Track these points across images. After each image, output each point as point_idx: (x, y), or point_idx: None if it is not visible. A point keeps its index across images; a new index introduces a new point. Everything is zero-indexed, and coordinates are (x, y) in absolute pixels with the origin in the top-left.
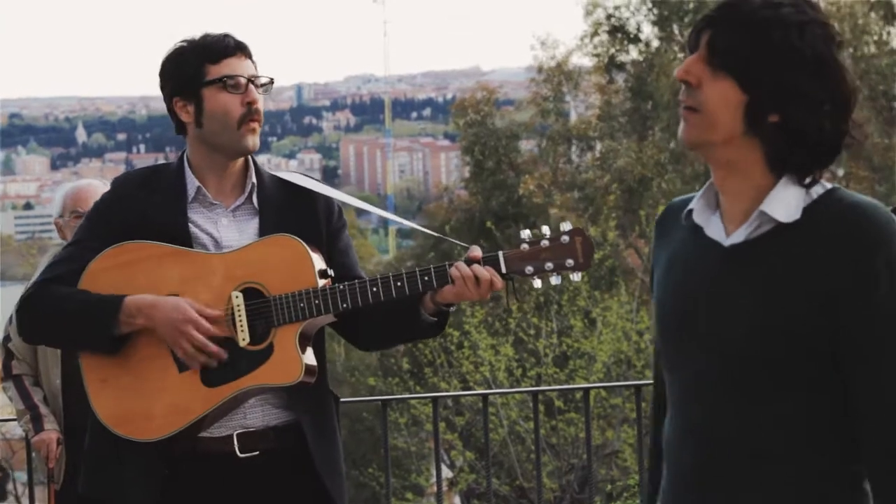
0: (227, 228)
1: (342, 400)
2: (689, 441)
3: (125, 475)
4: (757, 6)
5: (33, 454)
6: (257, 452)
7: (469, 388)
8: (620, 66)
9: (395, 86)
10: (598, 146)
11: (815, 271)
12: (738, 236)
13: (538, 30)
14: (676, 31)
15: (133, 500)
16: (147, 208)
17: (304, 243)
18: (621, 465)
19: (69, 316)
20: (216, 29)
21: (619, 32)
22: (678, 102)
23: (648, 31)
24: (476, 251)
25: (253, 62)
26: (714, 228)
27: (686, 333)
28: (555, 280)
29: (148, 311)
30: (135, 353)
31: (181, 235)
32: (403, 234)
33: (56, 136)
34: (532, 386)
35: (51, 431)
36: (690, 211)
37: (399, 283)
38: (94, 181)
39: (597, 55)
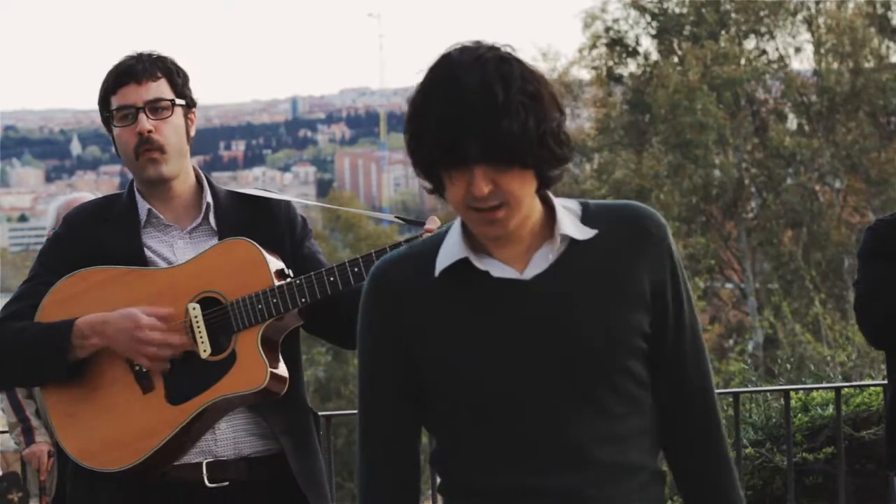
0: (183, 251)
1: (338, 412)
2: (547, 477)
3: None
4: (484, 103)
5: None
6: (227, 483)
7: None
8: (619, 79)
9: (390, 99)
10: (597, 158)
11: (627, 275)
12: (538, 266)
13: (539, 41)
14: (675, 44)
15: None
16: (100, 237)
17: (257, 245)
18: None
19: (23, 349)
20: (211, 44)
21: (618, 45)
22: (484, 209)
23: (647, 44)
24: (432, 223)
25: (168, 81)
26: (500, 270)
27: (516, 376)
28: None
29: (100, 328)
30: (97, 382)
31: (136, 261)
32: (402, 232)
33: (51, 149)
34: None
35: (42, 444)
36: (459, 263)
37: (356, 269)
38: (88, 194)
39: (595, 68)
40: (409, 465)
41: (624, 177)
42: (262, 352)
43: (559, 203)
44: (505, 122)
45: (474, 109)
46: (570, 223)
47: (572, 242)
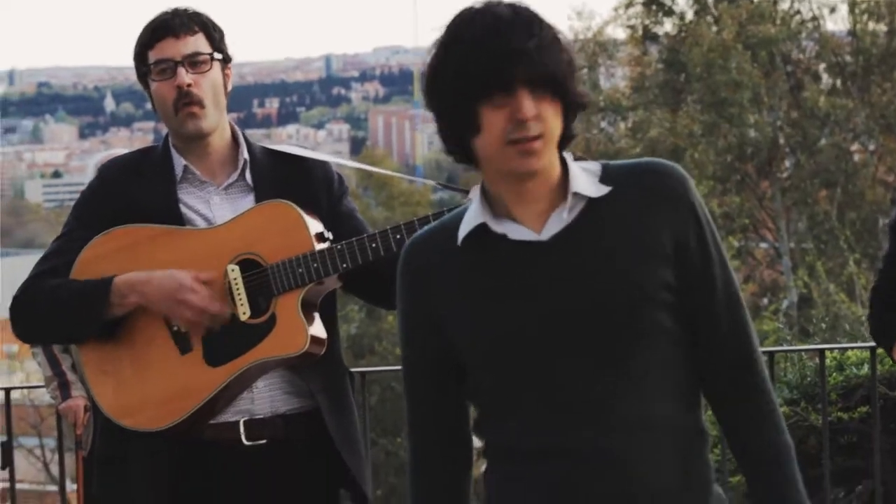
0: (219, 207)
1: (371, 369)
2: (575, 437)
3: (131, 474)
4: (518, 26)
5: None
6: (264, 441)
7: None
8: (654, 38)
9: (423, 58)
10: (631, 116)
11: (645, 230)
12: (555, 226)
13: (574, 0)
14: (711, 4)
15: (140, 500)
16: (135, 192)
17: (297, 207)
18: None
19: (59, 306)
20: (244, 1)
21: (654, 4)
22: (526, 139)
23: (683, 3)
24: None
25: (205, 36)
26: (518, 232)
27: (539, 338)
28: None
29: (140, 287)
30: (133, 341)
31: (172, 217)
32: (436, 191)
33: (84, 105)
34: None
35: (78, 398)
36: (479, 229)
37: (398, 236)
38: (126, 151)
39: (631, 27)
40: (456, 434)
41: (659, 135)
42: (302, 316)
43: (576, 164)
44: (544, 50)
45: (515, 34)
46: (586, 182)
47: (590, 201)
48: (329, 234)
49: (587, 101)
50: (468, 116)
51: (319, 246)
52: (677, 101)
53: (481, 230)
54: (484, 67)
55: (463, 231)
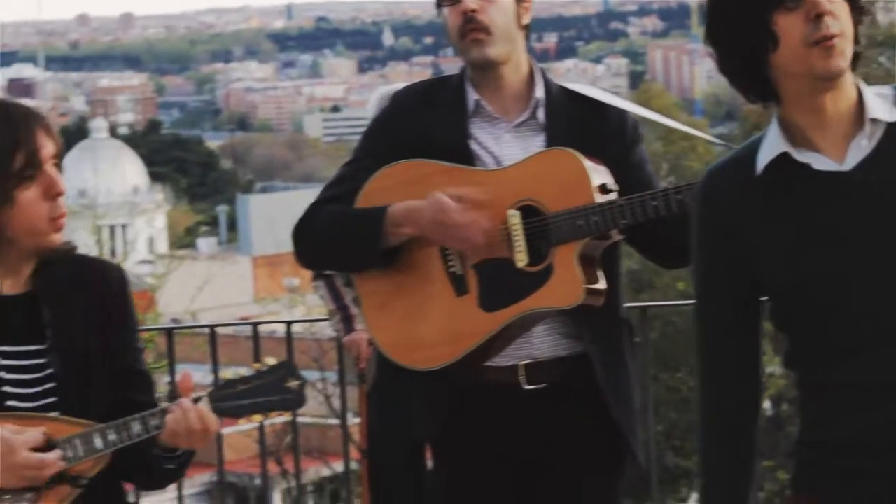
0: (509, 145)
1: (652, 304)
2: (882, 371)
3: (410, 405)
4: None
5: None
6: (544, 385)
7: None
8: None
9: None
10: None
11: None
12: (856, 155)
13: None
14: None
15: (417, 430)
16: (427, 124)
17: (581, 157)
18: None
19: (337, 234)
20: None
21: None
22: (826, 37)
23: None
24: None
25: None
26: (821, 162)
27: (845, 269)
28: None
29: (414, 216)
30: (410, 279)
31: (461, 153)
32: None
33: (363, 40)
34: None
35: (362, 332)
36: (780, 159)
37: (679, 196)
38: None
39: None
40: (749, 373)
41: None
42: (579, 268)
43: (869, 90)
44: None
45: None
46: (882, 107)
47: (888, 127)
48: (614, 186)
49: (868, 9)
50: (763, 28)
51: (601, 198)
52: None
53: (782, 160)
54: None
55: (763, 160)
